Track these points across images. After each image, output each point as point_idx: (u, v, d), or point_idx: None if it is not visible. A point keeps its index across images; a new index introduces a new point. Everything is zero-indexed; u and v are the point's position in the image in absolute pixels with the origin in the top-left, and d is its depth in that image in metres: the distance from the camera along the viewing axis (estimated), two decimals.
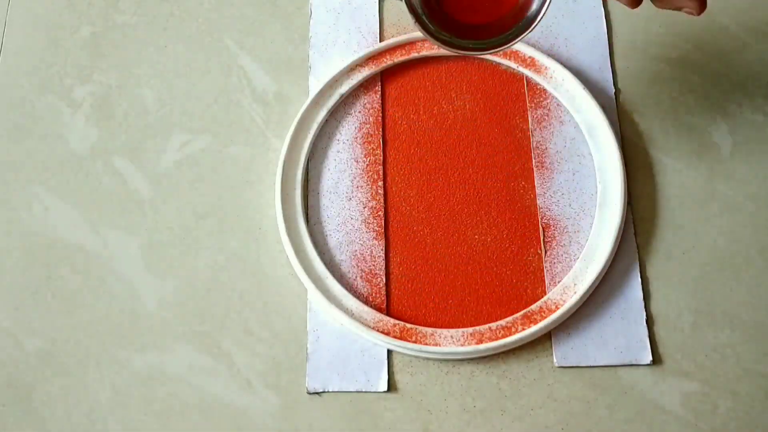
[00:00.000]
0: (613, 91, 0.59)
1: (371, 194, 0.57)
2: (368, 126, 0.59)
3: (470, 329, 0.53)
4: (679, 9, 0.47)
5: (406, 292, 0.55)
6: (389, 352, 0.53)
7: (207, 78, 0.61)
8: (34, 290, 0.56)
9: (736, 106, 0.59)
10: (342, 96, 0.59)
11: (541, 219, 0.56)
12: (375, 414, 0.52)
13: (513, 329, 0.53)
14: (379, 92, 0.60)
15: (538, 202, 0.57)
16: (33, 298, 0.55)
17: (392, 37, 0.61)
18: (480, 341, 0.52)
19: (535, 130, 0.58)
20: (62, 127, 0.60)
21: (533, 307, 0.53)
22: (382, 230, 0.56)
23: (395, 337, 0.53)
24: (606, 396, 0.52)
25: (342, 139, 0.59)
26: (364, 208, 0.57)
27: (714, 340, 0.53)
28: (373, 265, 0.55)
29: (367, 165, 0.58)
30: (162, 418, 0.52)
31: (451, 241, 0.56)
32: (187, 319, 0.54)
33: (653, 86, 0.60)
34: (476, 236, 0.56)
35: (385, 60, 0.60)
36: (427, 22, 0.47)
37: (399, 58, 0.60)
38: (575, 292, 0.53)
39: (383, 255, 0.56)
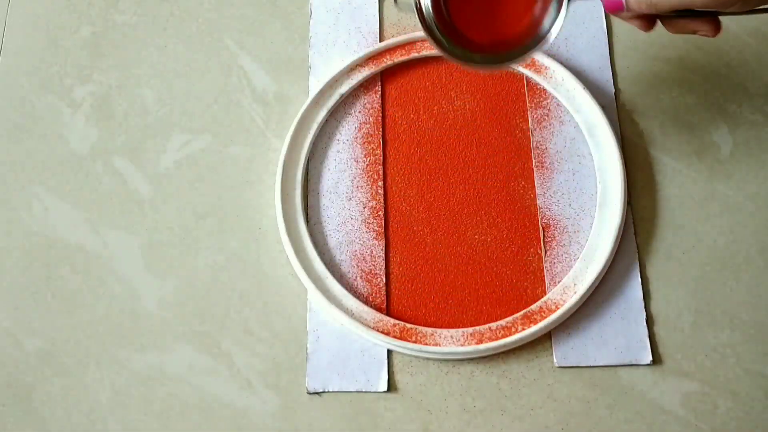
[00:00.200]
0: (613, 91, 0.59)
1: (371, 194, 0.57)
2: (368, 126, 0.59)
3: (470, 329, 0.53)
4: (694, 33, 0.46)
5: (406, 292, 0.55)
6: (389, 352, 0.53)
7: (207, 78, 0.61)
8: (34, 290, 0.56)
9: (736, 106, 0.59)
10: (342, 96, 0.59)
11: (541, 219, 0.56)
12: (375, 414, 0.52)
13: (513, 329, 0.53)
14: (379, 92, 0.60)
15: (538, 202, 0.57)
16: (33, 298, 0.55)
17: (392, 37, 0.61)
18: (480, 341, 0.52)
19: (535, 130, 0.58)
20: (62, 127, 0.60)
21: (533, 307, 0.53)
22: (382, 230, 0.56)
23: (395, 337, 0.53)
24: (606, 396, 0.52)
25: (342, 139, 0.59)
26: (364, 208, 0.57)
27: (714, 340, 0.53)
28: (373, 265, 0.55)
29: (367, 165, 0.58)
30: (162, 418, 0.52)
31: (451, 241, 0.56)
32: (187, 319, 0.54)
33: (653, 86, 0.60)
34: (476, 236, 0.56)
35: (385, 60, 0.60)
36: (440, 37, 0.47)
37: (399, 58, 0.60)
38: (575, 292, 0.53)
39: (383, 255, 0.56)
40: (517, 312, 0.53)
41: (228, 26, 0.63)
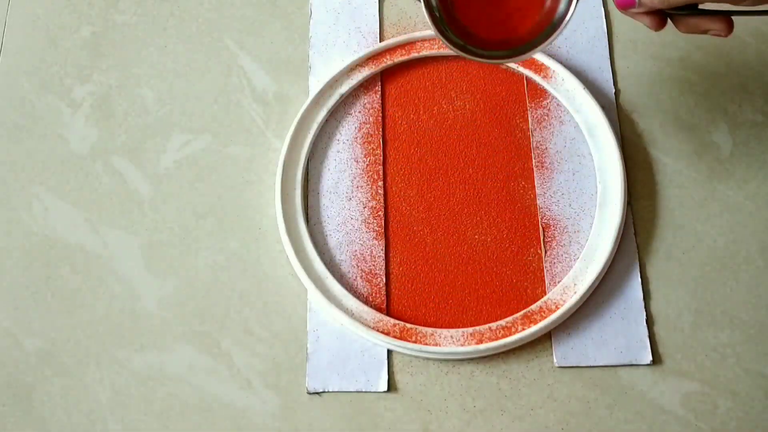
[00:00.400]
0: (613, 91, 0.59)
1: (371, 194, 0.57)
2: (368, 126, 0.59)
3: (470, 329, 0.53)
4: (705, 32, 0.45)
5: (406, 292, 0.55)
6: (389, 352, 0.53)
7: (207, 78, 0.61)
8: (34, 290, 0.56)
9: (736, 106, 0.59)
10: (342, 96, 0.59)
11: (541, 219, 0.56)
12: (375, 414, 0.52)
13: (513, 329, 0.53)
14: (379, 92, 0.60)
15: (538, 202, 0.57)
16: (33, 298, 0.55)
17: (392, 37, 0.61)
18: (480, 341, 0.52)
19: (535, 130, 0.58)
20: (62, 127, 0.60)
21: (533, 307, 0.53)
22: (382, 230, 0.56)
23: (395, 337, 0.53)
24: (606, 396, 0.52)
25: (342, 139, 0.59)
26: (364, 208, 0.57)
27: (714, 340, 0.53)
28: (373, 265, 0.55)
29: (367, 165, 0.58)
30: (162, 418, 0.52)
31: (451, 241, 0.56)
32: (187, 319, 0.54)
33: (653, 86, 0.60)
34: (476, 236, 0.56)
35: (385, 60, 0.60)
36: (452, 35, 0.47)
37: (399, 58, 0.60)
38: (575, 292, 0.53)
39: (383, 255, 0.56)
40: (517, 312, 0.53)
41: (228, 26, 0.63)
